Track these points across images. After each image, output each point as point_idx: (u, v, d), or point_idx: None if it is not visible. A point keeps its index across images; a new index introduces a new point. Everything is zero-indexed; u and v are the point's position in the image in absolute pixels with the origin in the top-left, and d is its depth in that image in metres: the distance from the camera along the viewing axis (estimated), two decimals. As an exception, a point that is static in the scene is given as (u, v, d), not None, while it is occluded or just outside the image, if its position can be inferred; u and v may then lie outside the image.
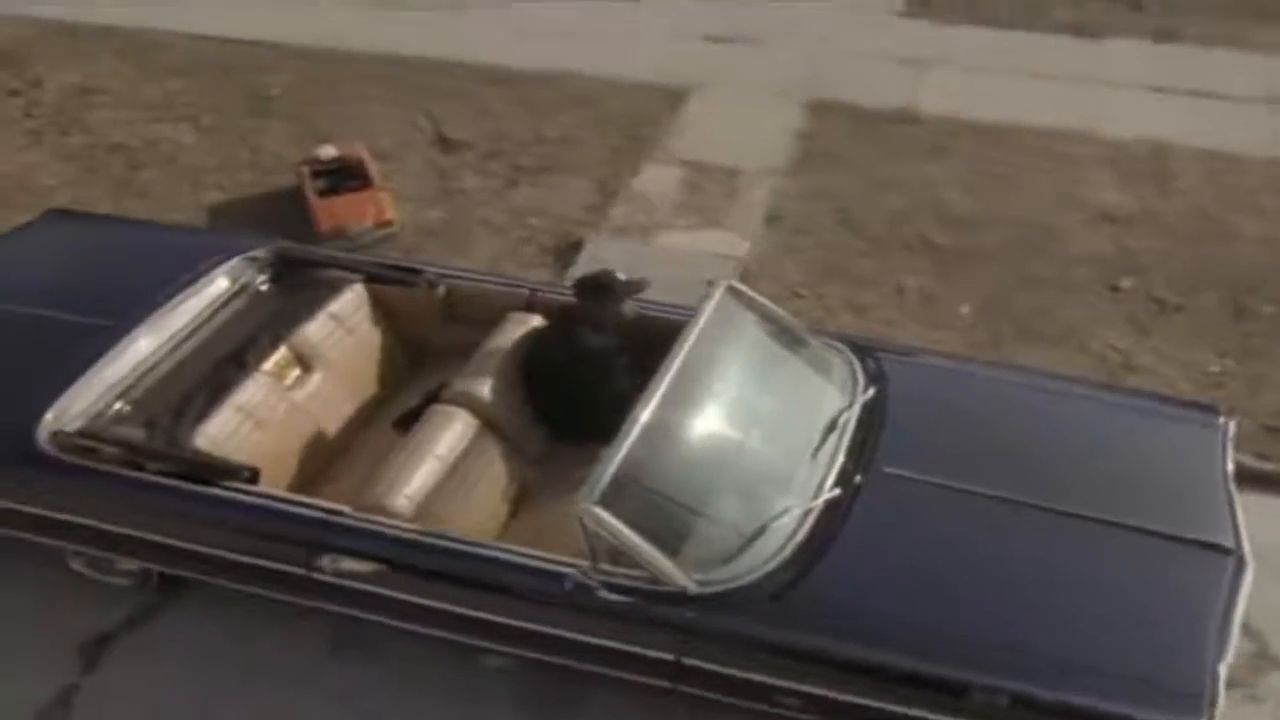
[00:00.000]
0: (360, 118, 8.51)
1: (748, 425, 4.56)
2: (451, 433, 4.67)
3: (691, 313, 4.65)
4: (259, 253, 5.50)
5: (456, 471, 4.59)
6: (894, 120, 8.59)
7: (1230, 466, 4.59)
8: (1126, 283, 6.90)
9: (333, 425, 5.12)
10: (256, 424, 4.78)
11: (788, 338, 4.94)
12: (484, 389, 4.83)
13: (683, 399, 4.35)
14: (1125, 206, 7.63)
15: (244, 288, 5.36)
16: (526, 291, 5.39)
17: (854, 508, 4.29)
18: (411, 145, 8.31)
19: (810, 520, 4.20)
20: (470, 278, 5.60)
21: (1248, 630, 4.40)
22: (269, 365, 4.98)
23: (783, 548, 4.11)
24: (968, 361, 5.49)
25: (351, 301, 5.40)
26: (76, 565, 4.82)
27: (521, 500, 4.82)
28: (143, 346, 4.94)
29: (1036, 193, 7.76)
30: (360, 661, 4.72)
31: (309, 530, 4.32)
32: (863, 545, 4.19)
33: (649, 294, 5.07)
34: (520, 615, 4.21)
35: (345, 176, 7.41)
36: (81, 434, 4.54)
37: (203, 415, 4.68)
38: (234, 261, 5.41)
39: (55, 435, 4.53)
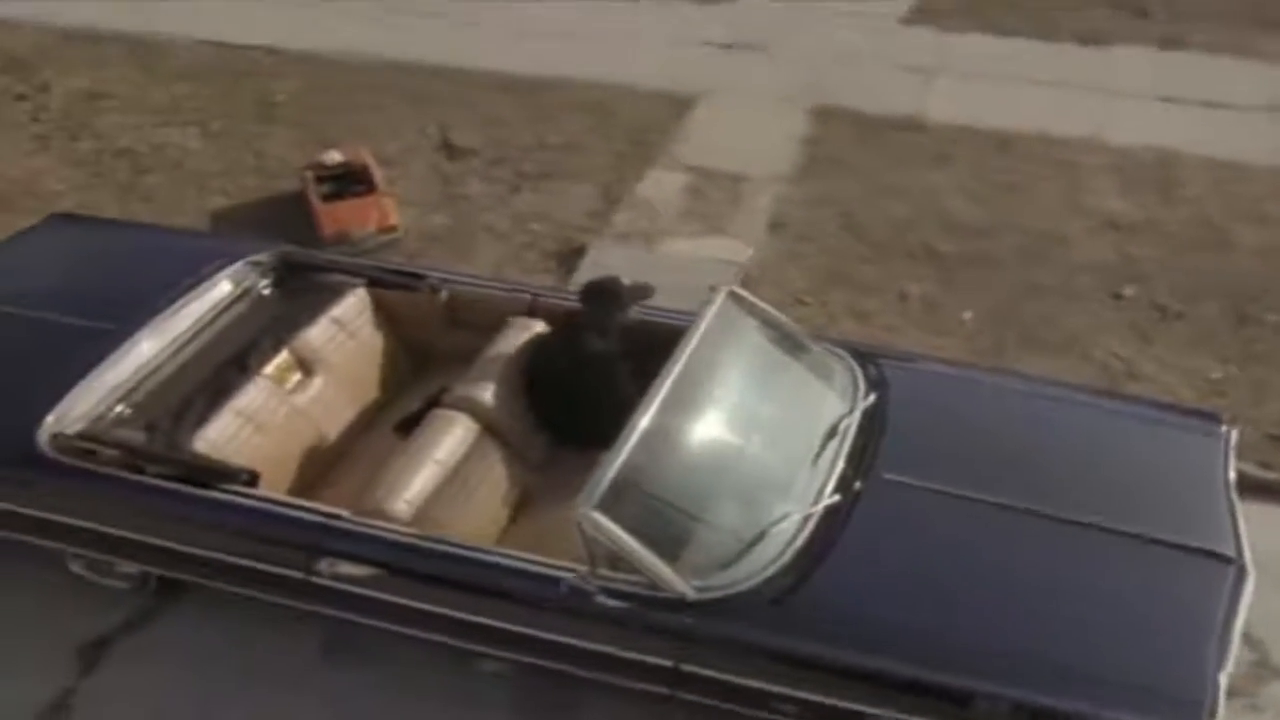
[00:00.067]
0: (365, 123, 8.53)
1: (748, 431, 4.55)
2: (452, 437, 4.66)
3: (692, 318, 4.64)
4: (262, 257, 5.51)
5: (457, 476, 4.59)
6: (899, 127, 8.58)
7: (1232, 474, 4.58)
8: (1129, 290, 6.88)
9: (333, 429, 5.11)
10: (257, 428, 4.78)
11: (789, 343, 4.93)
12: (485, 394, 4.83)
13: (683, 404, 4.33)
14: (1129, 214, 7.61)
15: (246, 292, 5.37)
16: (529, 297, 5.39)
17: (854, 514, 4.27)
18: (416, 151, 8.32)
19: (810, 526, 4.19)
20: (473, 283, 5.60)
21: (1248, 639, 4.41)
22: (270, 369, 4.99)
23: (782, 553, 4.09)
24: (969, 368, 5.49)
25: (354, 306, 5.41)
26: (76, 568, 4.82)
27: (522, 506, 4.81)
28: (145, 350, 4.94)
29: (1041, 200, 7.75)
30: (359, 665, 4.71)
31: (308, 534, 4.32)
32: (862, 551, 4.17)
33: (651, 300, 5.07)
34: (518, 620, 4.19)
35: (350, 182, 7.44)
36: (82, 436, 4.55)
37: (203, 419, 4.68)
38: (237, 265, 5.41)
39: (56, 438, 4.53)
